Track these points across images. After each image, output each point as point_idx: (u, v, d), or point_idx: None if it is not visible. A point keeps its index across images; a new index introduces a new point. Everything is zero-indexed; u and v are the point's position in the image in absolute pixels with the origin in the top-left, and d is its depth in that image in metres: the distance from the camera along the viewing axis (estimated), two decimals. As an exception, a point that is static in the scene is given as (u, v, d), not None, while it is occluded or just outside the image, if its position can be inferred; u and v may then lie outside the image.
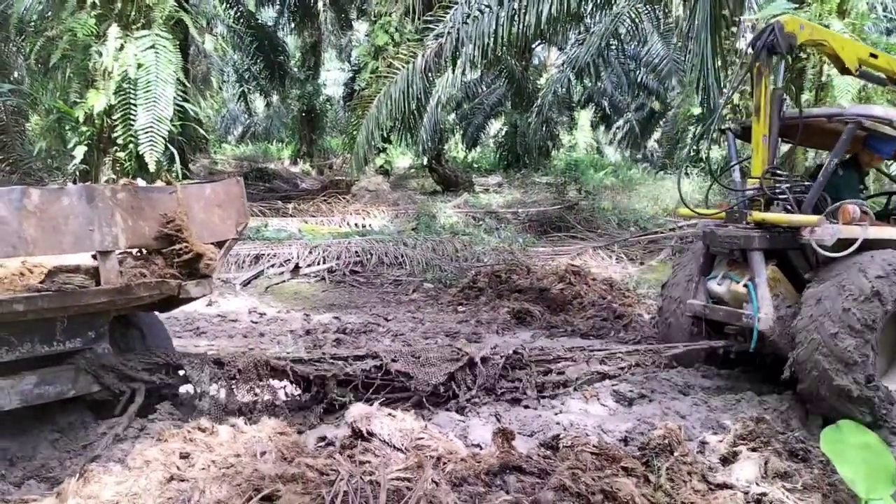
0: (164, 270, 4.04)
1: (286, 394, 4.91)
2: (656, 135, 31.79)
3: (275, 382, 4.75)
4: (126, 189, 3.91)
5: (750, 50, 5.57)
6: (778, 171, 5.54)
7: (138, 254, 4.15)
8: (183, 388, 4.66)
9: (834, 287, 4.88)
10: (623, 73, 26.14)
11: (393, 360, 4.97)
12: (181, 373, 4.45)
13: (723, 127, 6.34)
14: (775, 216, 5.37)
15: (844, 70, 5.81)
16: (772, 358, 5.63)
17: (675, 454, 3.78)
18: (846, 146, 5.32)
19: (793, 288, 5.45)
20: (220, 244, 4.33)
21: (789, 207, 5.39)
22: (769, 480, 3.78)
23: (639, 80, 25.89)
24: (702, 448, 4.22)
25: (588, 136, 32.83)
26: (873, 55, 5.85)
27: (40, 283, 3.76)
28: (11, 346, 3.73)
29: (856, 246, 4.97)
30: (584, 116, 31.87)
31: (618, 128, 31.97)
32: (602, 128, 32.89)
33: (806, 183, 5.58)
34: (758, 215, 5.43)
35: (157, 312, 4.74)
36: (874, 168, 6.29)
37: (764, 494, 3.59)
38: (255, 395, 4.64)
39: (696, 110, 15.80)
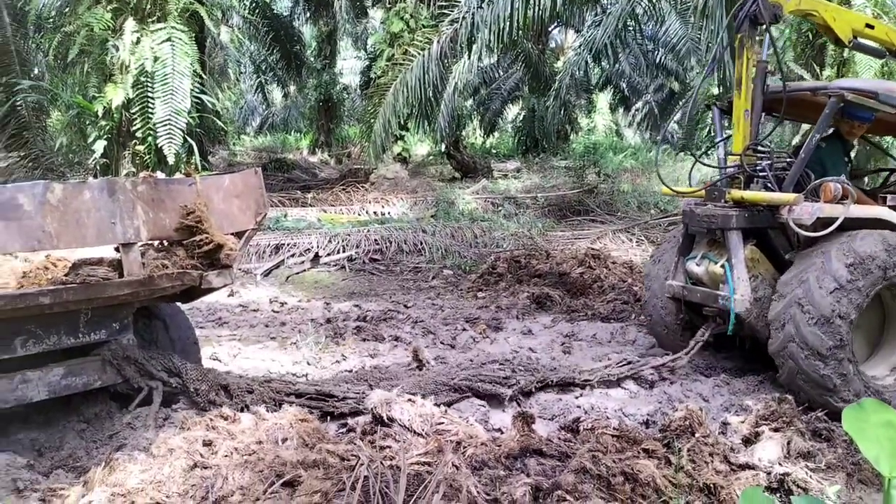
0: (186, 261, 4.08)
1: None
2: (676, 116, 31.38)
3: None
4: (146, 182, 3.95)
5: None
6: (760, 147, 5.36)
7: (160, 245, 4.20)
8: None
9: (808, 272, 4.72)
10: (641, 54, 25.81)
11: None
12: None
13: (707, 102, 6.18)
14: (752, 194, 5.21)
15: (837, 41, 5.57)
16: (751, 342, 5.49)
17: (697, 435, 3.77)
18: (829, 120, 5.15)
19: (773, 269, 5.29)
20: (239, 234, 4.35)
21: (769, 185, 5.21)
22: (792, 460, 3.76)
23: (657, 60, 25.54)
24: (723, 429, 4.20)
25: (607, 118, 32.56)
26: (869, 25, 5.60)
27: (65, 275, 3.82)
28: (38, 339, 3.80)
29: (835, 226, 4.75)
30: (603, 99, 31.60)
31: (637, 110, 31.60)
32: (621, 110, 32.55)
33: (789, 159, 5.41)
34: (736, 193, 5.26)
35: (178, 303, 4.79)
36: (857, 137, 5.98)
37: (787, 474, 3.58)
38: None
39: (716, 90, 15.61)
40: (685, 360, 5.51)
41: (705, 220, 5.39)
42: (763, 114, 5.58)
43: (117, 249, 3.92)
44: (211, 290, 4.32)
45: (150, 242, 4.12)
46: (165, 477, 3.01)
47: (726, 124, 5.93)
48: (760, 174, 5.27)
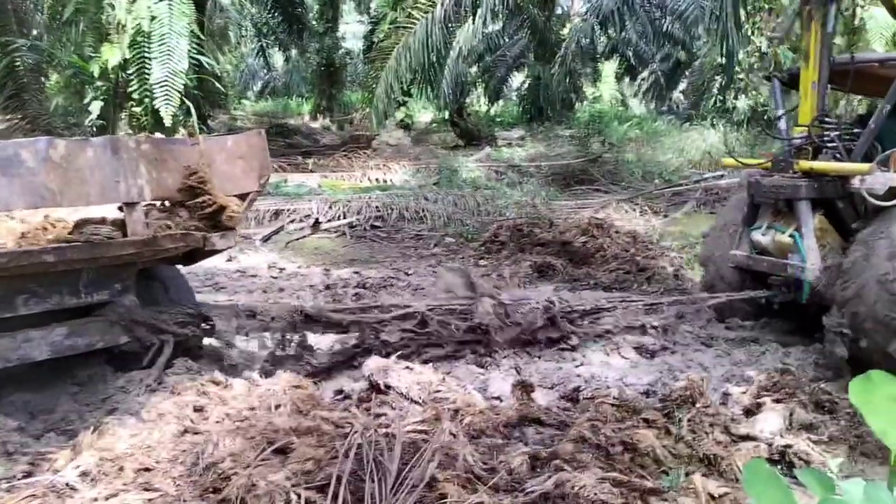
0: (189, 223, 4.06)
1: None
2: (682, 86, 31.02)
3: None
4: (149, 141, 3.93)
5: None
6: (827, 119, 5.41)
7: (162, 206, 4.15)
8: (207, 341, 4.69)
9: (884, 234, 4.72)
10: (648, 22, 25.36)
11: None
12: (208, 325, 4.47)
13: (769, 74, 6.17)
14: (824, 164, 5.24)
15: None
16: (816, 308, 5.46)
17: (697, 406, 3.71)
18: None
19: (840, 238, 5.34)
20: (243, 197, 4.31)
21: (838, 155, 5.26)
22: (794, 432, 3.71)
23: (664, 28, 25.15)
24: (725, 400, 4.15)
25: (612, 87, 32.13)
26: None
27: (69, 234, 3.77)
28: (40, 298, 3.77)
29: None
30: (609, 68, 31.15)
31: (643, 79, 31.21)
32: (627, 79, 32.13)
33: (856, 130, 5.42)
34: (805, 164, 5.30)
35: (179, 266, 4.75)
36: None
37: (788, 446, 3.52)
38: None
39: (720, 59, 15.38)
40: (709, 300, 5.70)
41: (773, 190, 5.42)
42: (829, 86, 5.60)
43: (121, 209, 3.89)
44: (214, 251, 4.30)
45: (152, 203, 4.09)
46: (155, 442, 2.96)
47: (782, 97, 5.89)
48: (830, 145, 5.31)
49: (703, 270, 6.37)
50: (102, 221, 3.92)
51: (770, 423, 3.76)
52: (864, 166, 4.96)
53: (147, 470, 2.81)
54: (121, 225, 3.86)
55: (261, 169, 4.35)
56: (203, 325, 4.46)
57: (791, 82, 5.75)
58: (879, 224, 4.88)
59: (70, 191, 3.53)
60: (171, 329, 4.25)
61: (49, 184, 3.45)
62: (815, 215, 5.27)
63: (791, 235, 5.30)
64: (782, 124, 5.76)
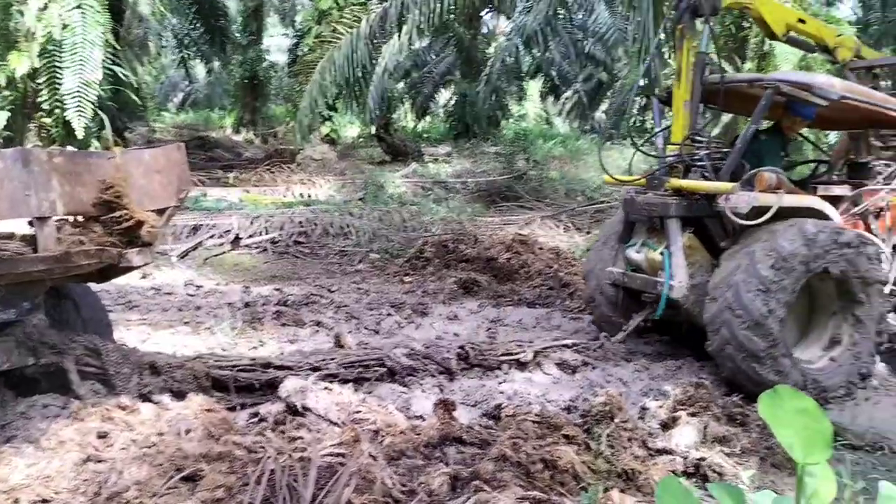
0: (103, 238, 3.86)
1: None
2: (604, 105, 31.87)
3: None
4: (63, 154, 3.76)
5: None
6: (698, 137, 5.44)
7: (76, 221, 3.94)
8: None
9: (736, 274, 4.81)
10: (571, 43, 25.97)
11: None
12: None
13: (647, 93, 6.30)
14: (691, 183, 5.30)
15: (772, 35, 5.76)
16: (687, 326, 5.57)
17: (616, 421, 3.76)
18: (765, 111, 5.24)
19: (710, 256, 5.38)
20: (160, 212, 4.14)
21: (707, 174, 5.30)
22: (708, 445, 3.80)
23: (586, 50, 25.80)
24: (642, 414, 4.21)
25: (537, 106, 32.75)
26: (802, 21, 5.81)
27: None
28: None
29: (770, 214, 4.87)
30: (534, 87, 31.75)
31: (566, 98, 31.91)
32: (551, 98, 32.79)
33: (726, 150, 5.52)
34: (675, 182, 5.35)
35: (91, 284, 4.52)
36: (797, 133, 6.23)
37: (702, 459, 3.61)
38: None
39: (642, 81, 15.84)
40: (614, 340, 5.70)
41: (645, 207, 5.47)
42: (702, 105, 5.66)
43: (31, 224, 3.67)
44: (130, 268, 4.11)
45: (65, 217, 3.87)
46: (54, 471, 2.78)
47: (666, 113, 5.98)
48: (698, 164, 5.34)
49: (585, 285, 6.41)
50: (10, 237, 3.70)
51: (685, 436, 3.85)
52: (728, 185, 5.02)
53: (45, 501, 2.64)
54: (31, 240, 3.65)
55: (180, 183, 4.20)
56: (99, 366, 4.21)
57: (669, 101, 5.77)
58: (744, 242, 4.99)
59: None
60: (80, 357, 4.01)
61: None
62: (685, 233, 5.31)
63: (661, 253, 5.34)
64: (659, 142, 5.80)
